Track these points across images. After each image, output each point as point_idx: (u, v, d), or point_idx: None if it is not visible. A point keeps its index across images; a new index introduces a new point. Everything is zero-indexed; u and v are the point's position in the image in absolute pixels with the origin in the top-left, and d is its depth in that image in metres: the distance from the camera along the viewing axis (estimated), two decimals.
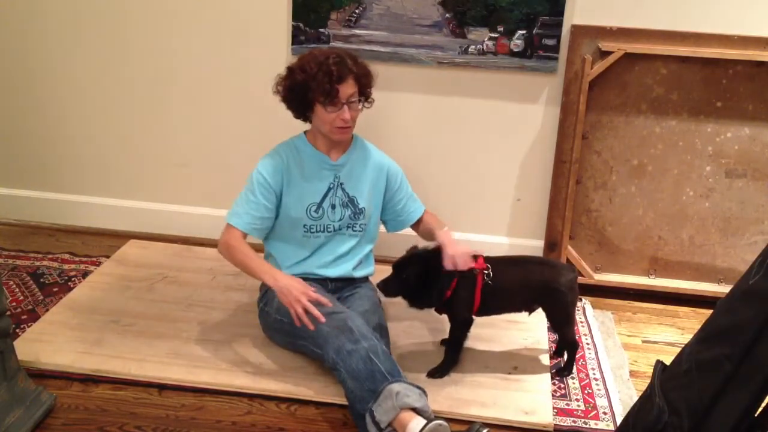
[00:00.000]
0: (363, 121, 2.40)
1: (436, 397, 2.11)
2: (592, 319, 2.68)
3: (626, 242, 2.87)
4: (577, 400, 2.22)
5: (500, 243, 3.04)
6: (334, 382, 2.14)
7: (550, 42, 2.74)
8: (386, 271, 2.26)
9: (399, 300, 2.35)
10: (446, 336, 2.43)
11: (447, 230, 2.34)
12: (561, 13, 2.70)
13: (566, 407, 2.18)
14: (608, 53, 2.64)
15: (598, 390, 2.27)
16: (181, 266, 2.90)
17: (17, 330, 2.37)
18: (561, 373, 2.33)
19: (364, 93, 2.30)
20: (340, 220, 2.37)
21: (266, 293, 2.36)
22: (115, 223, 3.24)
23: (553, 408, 2.15)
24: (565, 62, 2.73)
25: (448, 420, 1.89)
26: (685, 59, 2.63)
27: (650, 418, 1.61)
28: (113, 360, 2.25)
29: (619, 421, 2.07)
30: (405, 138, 2.94)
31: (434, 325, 2.53)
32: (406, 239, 2.43)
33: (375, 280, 2.48)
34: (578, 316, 2.67)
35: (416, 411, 1.86)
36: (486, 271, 2.19)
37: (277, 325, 2.31)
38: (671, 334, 2.65)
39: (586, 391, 2.26)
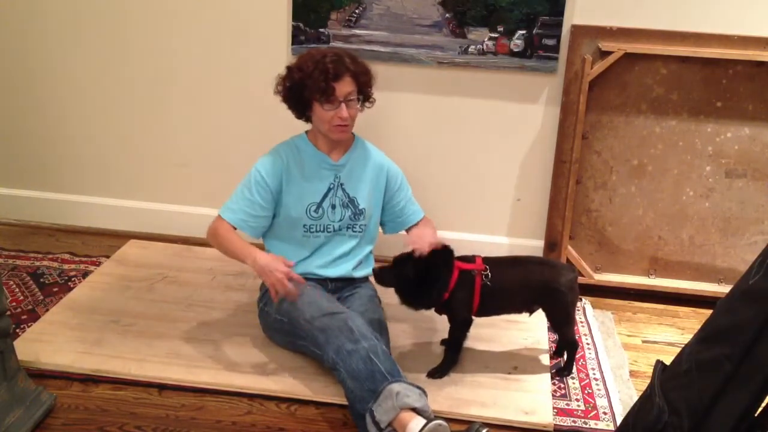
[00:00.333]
0: (363, 121, 2.40)
1: (436, 397, 2.11)
2: (592, 319, 2.68)
3: (626, 242, 2.87)
4: (577, 400, 2.22)
5: (500, 243, 3.04)
6: (334, 382, 2.14)
7: (550, 42, 2.74)
8: None
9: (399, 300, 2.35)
10: (446, 336, 2.43)
11: (429, 223, 2.40)
12: (561, 13, 2.70)
13: (566, 407, 2.18)
14: (608, 53, 2.64)
15: (598, 390, 2.27)
16: (181, 266, 2.90)
17: (17, 330, 2.37)
18: (561, 373, 2.33)
19: (364, 92, 2.30)
20: (340, 220, 2.37)
21: (266, 293, 2.36)
22: (115, 223, 3.24)
23: (553, 408, 2.15)
24: (565, 62, 2.73)
25: (448, 420, 1.89)
26: (685, 59, 2.63)
27: (650, 418, 1.61)
28: (113, 360, 2.25)
29: (619, 421, 2.07)
30: (405, 138, 2.94)
31: (434, 325, 2.53)
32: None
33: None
34: (578, 316, 2.67)
35: (416, 411, 1.86)
36: (484, 272, 2.19)
37: (277, 325, 2.31)
38: (671, 334, 2.65)
39: (586, 391, 2.26)
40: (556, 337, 2.43)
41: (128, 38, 2.99)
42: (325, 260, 2.38)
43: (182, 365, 2.25)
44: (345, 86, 2.21)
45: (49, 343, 2.31)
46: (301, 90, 2.22)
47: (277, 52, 2.88)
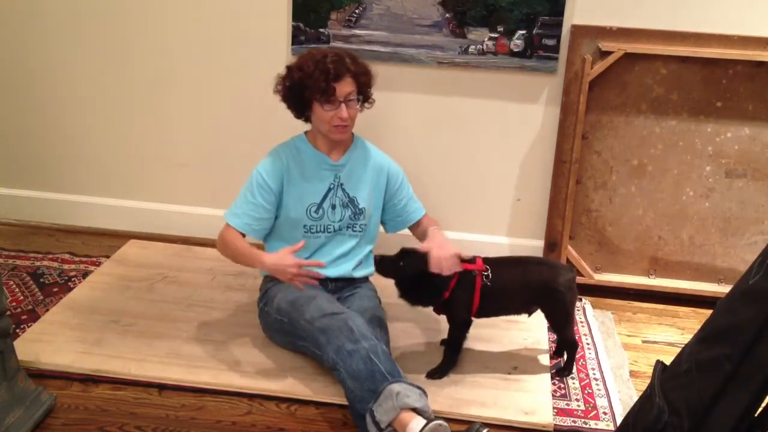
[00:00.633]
0: (363, 121, 2.40)
1: (436, 397, 2.11)
2: (592, 319, 2.68)
3: (626, 242, 2.87)
4: (577, 400, 2.22)
5: (500, 243, 3.04)
6: (334, 382, 2.14)
7: (550, 42, 2.74)
8: None
9: (399, 300, 2.34)
10: (446, 336, 2.43)
11: (439, 230, 2.34)
12: (561, 13, 2.70)
13: (566, 407, 2.18)
14: (608, 53, 2.64)
15: (598, 390, 2.27)
16: (181, 266, 2.90)
17: (17, 330, 2.37)
18: (561, 373, 2.33)
19: (363, 92, 2.30)
20: (341, 220, 2.37)
21: (266, 293, 2.36)
22: (115, 223, 3.24)
23: (553, 408, 2.15)
24: (565, 62, 2.73)
25: (448, 420, 1.89)
26: (685, 59, 2.63)
27: (650, 418, 1.61)
28: (113, 360, 2.25)
29: (619, 421, 2.07)
30: (405, 138, 2.94)
31: (434, 325, 2.53)
32: (407, 239, 2.43)
33: (375, 280, 2.49)
34: (578, 316, 2.67)
35: (416, 411, 1.86)
36: (485, 273, 2.19)
37: (277, 325, 2.31)
38: (671, 334, 2.65)
39: (586, 391, 2.26)
40: (555, 337, 2.43)
41: (128, 38, 2.99)
42: (325, 260, 2.38)
43: (182, 365, 2.25)
44: (345, 87, 2.21)
45: (49, 343, 2.31)
46: (302, 90, 2.22)
47: (277, 52, 2.88)
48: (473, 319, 2.26)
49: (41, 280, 2.76)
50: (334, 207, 2.36)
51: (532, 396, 2.19)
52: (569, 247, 2.87)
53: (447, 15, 2.76)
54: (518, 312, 2.30)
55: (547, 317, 2.31)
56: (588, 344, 2.52)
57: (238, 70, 2.96)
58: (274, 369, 2.26)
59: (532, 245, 3.00)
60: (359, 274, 2.44)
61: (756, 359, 1.43)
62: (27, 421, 1.93)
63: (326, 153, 2.36)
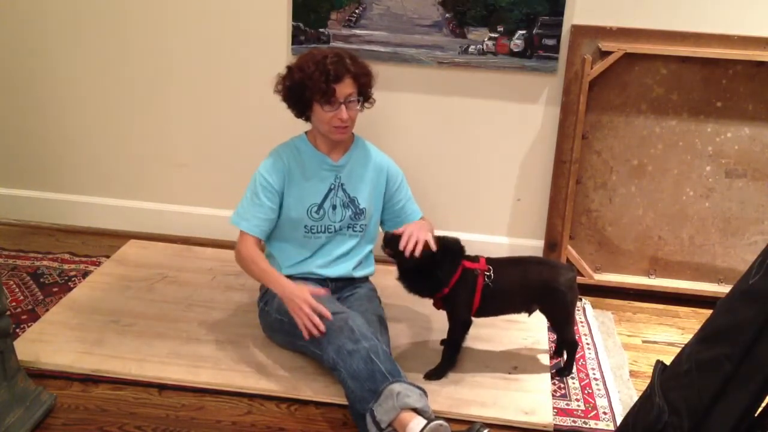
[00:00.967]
0: (363, 121, 2.40)
1: (436, 397, 2.11)
2: (592, 319, 2.68)
3: (626, 242, 2.87)
4: (577, 400, 2.22)
5: (500, 243, 3.04)
6: (334, 382, 2.14)
7: (550, 42, 2.74)
8: (386, 271, 2.26)
9: (399, 300, 2.36)
10: (446, 336, 2.44)
11: (427, 222, 2.36)
12: (561, 13, 2.70)
13: (566, 407, 2.18)
14: (608, 53, 2.64)
15: (598, 390, 2.27)
16: (181, 266, 2.90)
17: (17, 330, 2.37)
18: (561, 373, 2.33)
19: (364, 93, 2.30)
20: (341, 220, 2.37)
21: (266, 293, 2.36)
22: (115, 223, 3.24)
23: (553, 408, 2.15)
24: (565, 62, 2.73)
25: (448, 420, 1.89)
26: (685, 59, 2.63)
27: (650, 418, 1.61)
28: (113, 360, 2.25)
29: (619, 421, 2.07)
30: (405, 138, 2.94)
31: (434, 325, 2.53)
32: None
33: (375, 279, 2.49)
34: (578, 316, 2.67)
35: (417, 411, 1.86)
36: (487, 272, 2.19)
37: (277, 325, 2.31)
38: (671, 334, 2.65)
39: (586, 391, 2.26)
40: (556, 337, 2.43)
41: (128, 38, 2.99)
42: (326, 260, 2.38)
43: (182, 365, 2.25)
44: (345, 88, 2.21)
45: (49, 343, 2.31)
46: (302, 90, 2.22)
47: (277, 52, 2.88)
48: (473, 319, 2.26)
49: (41, 280, 2.76)
50: (334, 207, 2.36)
51: (532, 396, 2.19)
52: (569, 247, 2.87)
53: (447, 15, 2.76)
54: (518, 311, 2.30)
55: (548, 317, 2.31)
56: (588, 344, 2.52)
57: (238, 70, 2.96)
58: (274, 369, 2.26)
59: (532, 245, 3.00)
60: (359, 273, 2.44)
61: (756, 359, 1.43)
62: (27, 421, 1.93)
63: (326, 153, 2.36)
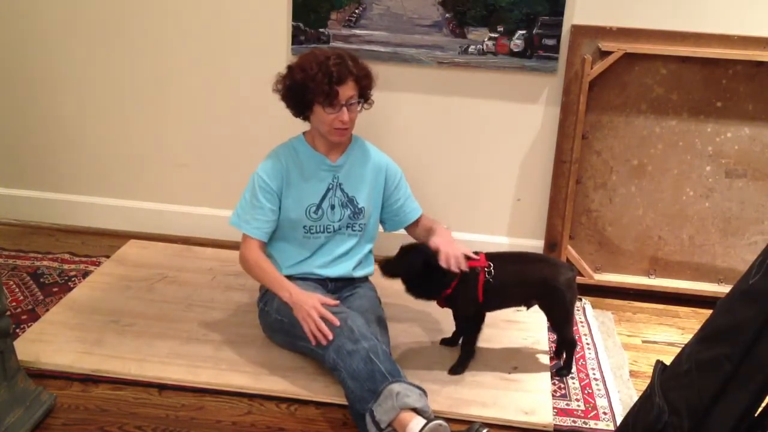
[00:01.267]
0: (363, 121, 2.40)
1: (436, 397, 2.11)
2: (592, 319, 2.68)
3: (626, 242, 2.87)
4: (577, 400, 2.22)
5: (500, 243, 3.04)
6: (334, 382, 2.14)
7: (550, 42, 2.74)
8: None
9: (399, 300, 2.35)
10: (446, 336, 2.44)
11: (447, 228, 2.34)
12: (561, 13, 2.70)
13: (566, 407, 2.18)
14: (608, 53, 2.64)
15: (598, 390, 2.27)
16: (181, 266, 2.90)
17: (17, 330, 2.37)
18: (560, 372, 2.33)
19: (364, 95, 2.30)
20: (340, 220, 2.37)
21: (266, 293, 2.36)
22: (115, 223, 3.24)
23: (553, 408, 2.15)
24: (565, 62, 2.73)
25: (448, 420, 1.89)
26: (685, 59, 2.63)
27: (650, 418, 1.61)
28: (113, 360, 2.25)
29: (619, 421, 2.07)
30: (405, 138, 2.94)
31: (434, 325, 2.53)
32: (406, 238, 2.43)
33: (375, 279, 2.49)
34: (578, 316, 2.68)
35: (416, 411, 1.86)
36: (487, 269, 2.19)
37: (277, 325, 2.31)
38: (671, 334, 2.65)
39: (586, 391, 2.26)
40: (556, 337, 2.43)
41: (128, 38, 2.99)
42: (325, 260, 2.38)
43: (182, 365, 2.25)
44: (348, 90, 2.21)
45: (49, 343, 2.31)
46: (303, 91, 2.21)
47: (277, 52, 2.88)
48: (480, 312, 2.27)
49: (41, 280, 2.76)
50: (333, 207, 2.36)
51: (532, 396, 2.19)
52: (569, 247, 2.87)
53: (447, 15, 2.76)
54: (518, 305, 2.30)
55: (547, 315, 2.31)
56: (588, 344, 2.52)
57: (238, 70, 2.96)
58: (274, 369, 2.26)
59: (532, 245, 3.00)
60: (359, 273, 2.44)
61: (756, 359, 1.43)
62: (27, 421, 1.93)
63: (324, 154, 2.35)
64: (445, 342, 2.43)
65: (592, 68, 2.65)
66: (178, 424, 2.03)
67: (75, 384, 2.17)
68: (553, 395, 2.22)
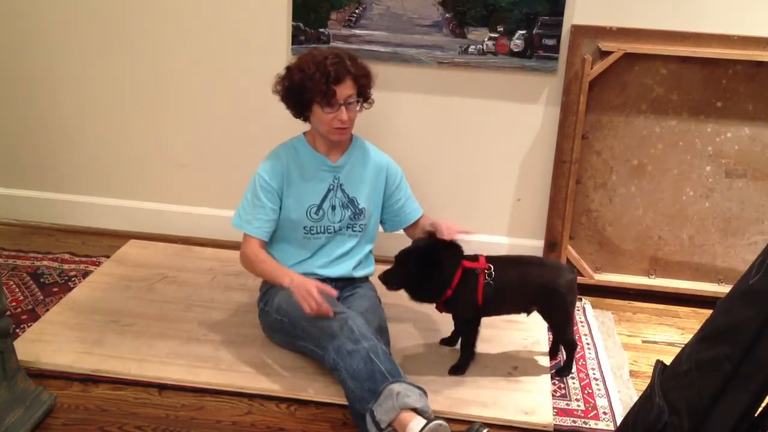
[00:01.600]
0: (363, 121, 2.40)
1: (436, 397, 2.11)
2: (592, 319, 2.68)
3: (626, 242, 2.87)
4: (577, 400, 2.22)
5: (500, 243, 3.04)
6: (334, 382, 2.14)
7: (550, 42, 2.74)
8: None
9: (399, 300, 2.35)
10: (446, 336, 2.44)
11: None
12: (561, 13, 2.70)
13: (566, 407, 2.18)
14: (608, 53, 2.64)
15: (598, 390, 2.27)
16: (181, 266, 2.90)
17: (17, 330, 2.37)
18: (561, 373, 2.33)
19: (363, 94, 2.30)
20: (340, 221, 2.37)
21: (266, 293, 2.36)
22: (115, 223, 3.24)
23: (553, 408, 2.15)
24: (565, 62, 2.73)
25: (448, 420, 1.89)
26: (685, 59, 2.63)
27: (650, 418, 1.61)
28: (113, 360, 2.25)
29: (619, 421, 2.07)
30: (405, 138, 2.94)
31: (434, 325, 2.53)
32: (406, 238, 2.43)
33: (375, 279, 2.49)
34: (578, 316, 2.68)
35: (416, 411, 1.86)
36: (488, 271, 2.19)
37: (277, 325, 2.31)
38: (671, 334, 2.65)
39: (586, 391, 2.26)
40: (551, 336, 2.43)
41: (128, 38, 2.99)
42: (326, 260, 2.38)
43: (182, 365, 2.25)
44: (346, 89, 2.21)
45: (49, 343, 2.31)
46: (302, 91, 2.22)
47: (277, 52, 2.88)
48: (478, 315, 2.26)
49: (41, 280, 2.76)
50: (333, 208, 2.36)
51: (532, 396, 2.19)
52: (569, 247, 2.87)
53: (447, 15, 2.76)
54: (518, 311, 2.30)
55: (547, 318, 2.31)
56: (588, 344, 2.52)
57: (238, 70, 2.96)
58: (274, 369, 2.26)
59: (532, 245, 3.00)
60: (359, 273, 2.44)
61: (756, 359, 1.43)
62: (27, 421, 1.93)
63: (325, 154, 2.35)
64: (444, 342, 2.43)
65: (592, 68, 2.65)
66: (178, 424, 2.03)
67: (75, 384, 2.17)
68: (553, 395, 2.22)
